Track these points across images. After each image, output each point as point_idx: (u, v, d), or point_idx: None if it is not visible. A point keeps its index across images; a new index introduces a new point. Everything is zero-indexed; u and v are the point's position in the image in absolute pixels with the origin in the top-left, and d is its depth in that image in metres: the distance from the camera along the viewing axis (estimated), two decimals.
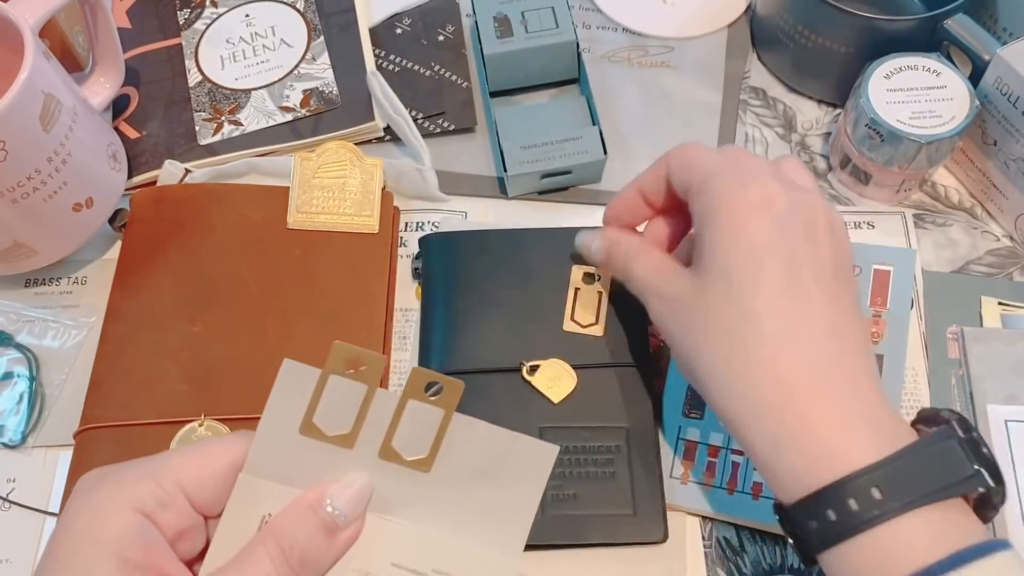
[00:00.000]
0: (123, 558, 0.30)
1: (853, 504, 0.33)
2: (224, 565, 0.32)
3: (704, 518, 0.46)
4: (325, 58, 0.60)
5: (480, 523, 0.35)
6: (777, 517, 0.37)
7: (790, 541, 0.36)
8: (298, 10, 0.63)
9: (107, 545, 0.31)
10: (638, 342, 0.48)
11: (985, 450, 0.34)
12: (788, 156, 0.42)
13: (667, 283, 0.40)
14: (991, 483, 0.33)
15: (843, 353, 0.36)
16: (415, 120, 0.57)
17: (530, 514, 0.35)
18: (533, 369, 0.47)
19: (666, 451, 0.46)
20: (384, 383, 0.49)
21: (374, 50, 0.61)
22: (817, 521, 0.34)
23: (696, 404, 0.48)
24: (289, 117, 0.58)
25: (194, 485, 0.33)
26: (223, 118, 0.58)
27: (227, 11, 0.63)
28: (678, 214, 0.44)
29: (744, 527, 0.46)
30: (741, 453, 0.46)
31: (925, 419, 0.36)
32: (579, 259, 0.48)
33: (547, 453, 0.34)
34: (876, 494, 0.33)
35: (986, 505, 0.34)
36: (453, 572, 0.35)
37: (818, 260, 0.37)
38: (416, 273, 0.53)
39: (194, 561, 0.34)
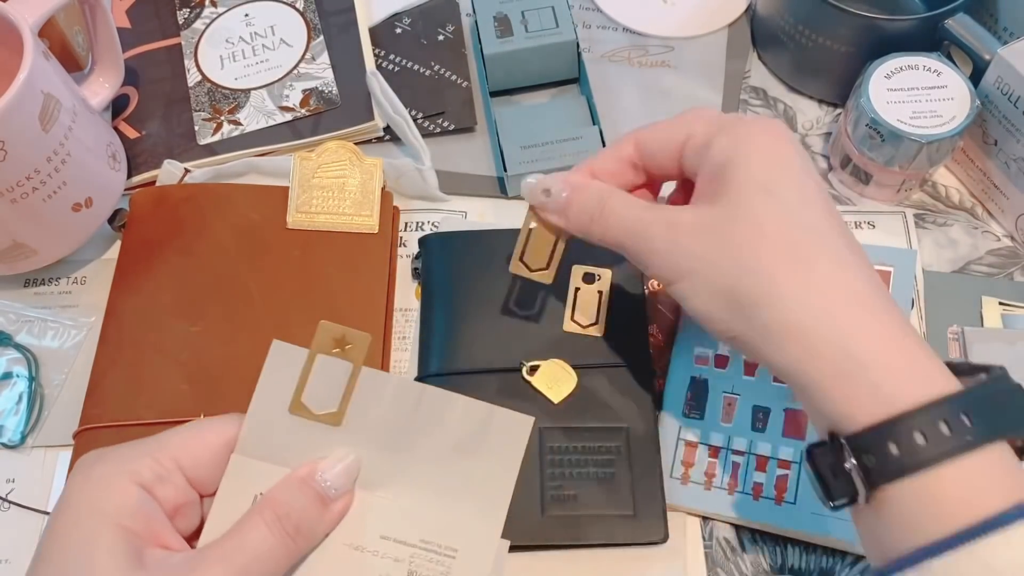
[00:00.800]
0: (124, 527, 0.32)
1: (919, 439, 0.31)
2: (223, 534, 0.33)
3: (704, 518, 0.46)
4: (325, 58, 0.60)
5: (463, 494, 0.37)
6: (810, 455, 0.34)
7: (818, 486, 0.34)
8: (298, 10, 0.63)
9: (108, 516, 0.32)
10: (638, 342, 0.48)
11: None
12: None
13: (681, 210, 0.37)
14: None
15: (881, 288, 0.35)
16: (415, 120, 0.57)
17: (510, 483, 0.36)
18: (533, 369, 0.47)
19: (666, 451, 0.46)
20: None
21: (374, 50, 0.61)
22: (874, 455, 0.31)
23: (696, 404, 0.47)
24: (289, 117, 0.58)
25: (190, 462, 0.34)
26: (222, 118, 0.58)
27: (227, 11, 0.63)
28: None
29: (744, 527, 0.46)
30: (741, 453, 0.46)
31: (958, 369, 0.34)
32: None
33: (524, 424, 0.36)
34: (944, 429, 0.31)
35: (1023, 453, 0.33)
36: (439, 541, 0.36)
37: (826, 190, 0.37)
38: (416, 273, 0.53)
39: (191, 538, 0.35)
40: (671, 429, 0.47)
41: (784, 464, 0.46)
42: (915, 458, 0.31)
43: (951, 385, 0.32)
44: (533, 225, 0.43)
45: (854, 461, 0.32)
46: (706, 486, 0.46)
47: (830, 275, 0.34)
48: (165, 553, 0.33)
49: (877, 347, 0.33)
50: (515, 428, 0.36)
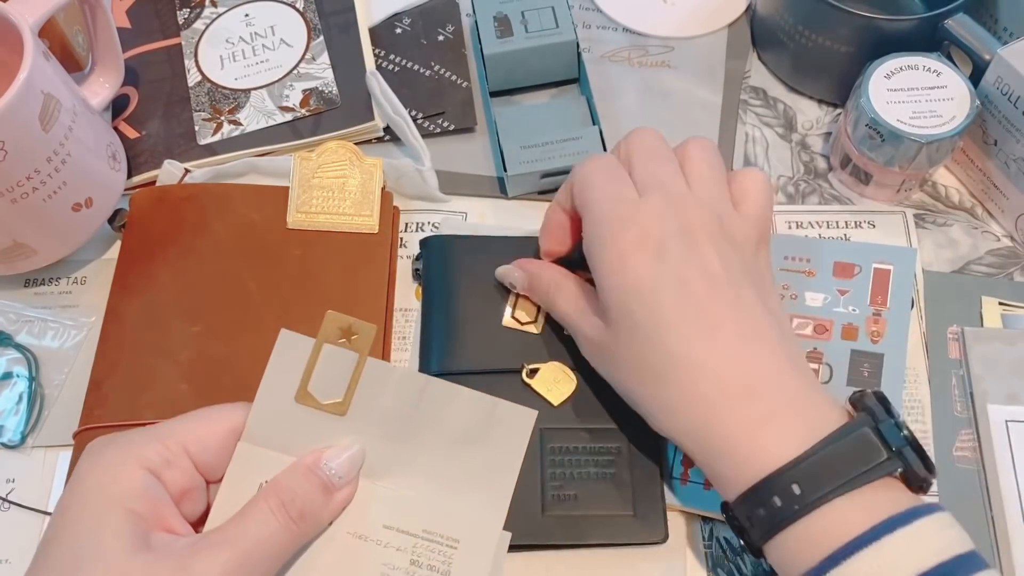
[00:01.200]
0: (131, 510, 0.32)
1: (777, 501, 0.35)
2: (228, 519, 0.34)
3: (705, 519, 0.46)
4: (325, 58, 0.60)
5: (466, 485, 0.37)
6: (724, 516, 0.39)
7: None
8: (298, 10, 0.63)
9: (116, 499, 0.33)
10: None
11: (906, 432, 0.36)
12: (692, 140, 0.43)
13: (586, 324, 0.43)
14: (911, 464, 0.35)
15: (757, 354, 0.38)
16: (415, 120, 0.57)
17: (513, 476, 0.37)
18: (533, 372, 0.47)
19: (668, 452, 0.46)
20: None
21: (374, 50, 0.61)
22: (749, 519, 0.36)
23: None
24: (289, 117, 0.58)
25: (197, 447, 0.35)
26: (223, 118, 0.58)
27: (227, 11, 0.63)
28: None
29: None
30: None
31: (853, 403, 0.38)
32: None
33: (527, 417, 0.37)
34: (796, 489, 0.35)
35: (914, 481, 0.36)
36: (441, 532, 0.37)
37: (707, 272, 0.39)
38: (416, 274, 0.53)
39: (196, 523, 0.36)
40: None
41: None
42: (762, 527, 0.36)
43: (800, 446, 0.36)
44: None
45: (745, 522, 0.37)
46: (706, 486, 0.46)
47: (684, 387, 0.38)
48: (171, 537, 0.33)
49: (725, 440, 0.37)
50: (518, 421, 0.37)
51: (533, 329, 0.48)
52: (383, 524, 0.37)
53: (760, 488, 0.36)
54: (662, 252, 0.39)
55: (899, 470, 0.35)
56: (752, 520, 0.36)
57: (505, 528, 0.38)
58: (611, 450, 0.45)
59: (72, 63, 0.59)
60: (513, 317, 0.48)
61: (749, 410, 0.37)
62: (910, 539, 0.33)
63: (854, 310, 0.49)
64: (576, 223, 0.44)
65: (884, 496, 0.35)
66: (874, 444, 0.35)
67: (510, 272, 0.48)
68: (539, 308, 0.48)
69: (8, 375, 0.50)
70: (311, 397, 0.36)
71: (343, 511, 0.37)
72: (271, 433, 0.36)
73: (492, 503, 0.37)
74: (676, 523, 0.45)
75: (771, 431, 0.37)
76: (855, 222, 0.54)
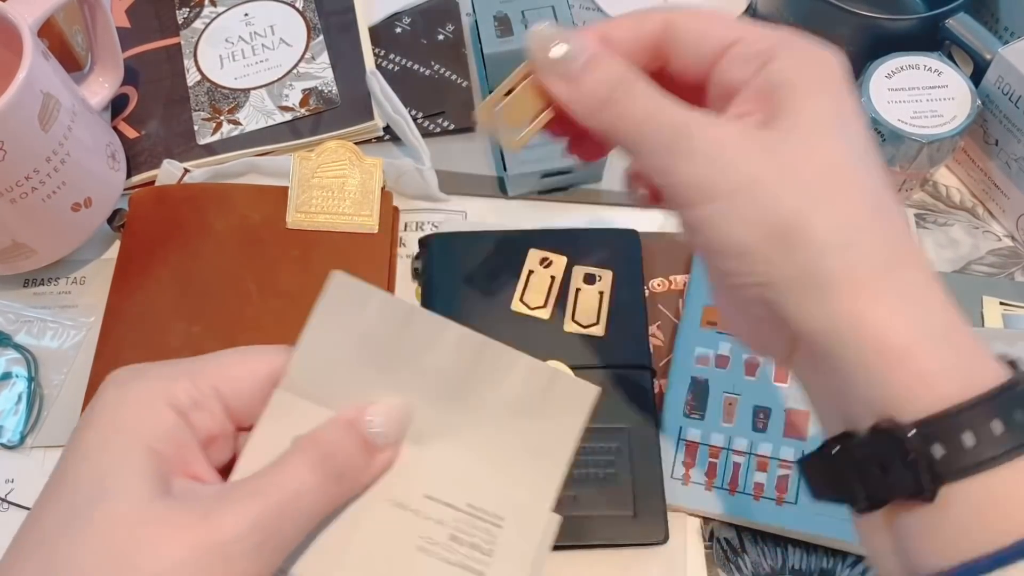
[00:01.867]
0: (154, 450, 0.29)
1: (968, 440, 0.26)
2: (262, 469, 0.30)
3: (705, 519, 0.46)
4: (324, 57, 0.60)
5: (516, 460, 0.34)
6: (842, 452, 0.29)
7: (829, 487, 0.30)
8: (297, 9, 0.63)
9: (140, 436, 0.29)
10: (639, 343, 0.48)
11: None
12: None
13: (723, 120, 0.31)
14: None
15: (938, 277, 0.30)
16: (415, 120, 0.57)
17: (567, 454, 0.34)
18: None
19: (667, 451, 0.46)
20: None
21: (374, 49, 0.61)
22: (947, 446, 0.26)
23: (697, 404, 0.47)
24: (288, 117, 0.58)
25: (230, 390, 0.32)
26: (222, 117, 0.58)
27: (226, 10, 0.63)
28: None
29: (745, 528, 0.46)
30: (742, 454, 0.46)
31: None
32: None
33: (588, 393, 0.33)
34: (997, 428, 0.26)
35: None
36: (486, 507, 0.34)
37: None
38: (416, 273, 0.53)
39: (221, 472, 0.32)
40: (672, 429, 0.47)
41: (785, 464, 0.46)
42: (991, 451, 0.26)
43: (997, 377, 0.28)
44: (580, 287, 0.42)
45: (935, 452, 0.27)
46: (707, 486, 0.46)
47: (901, 243, 0.29)
48: (196, 484, 0.30)
49: (938, 332, 0.28)
50: (578, 395, 0.33)
51: (543, 315, 0.46)
52: (425, 494, 0.34)
53: (953, 416, 0.26)
54: (860, 107, 0.32)
55: None
56: (947, 448, 0.26)
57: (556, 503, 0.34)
58: (611, 450, 0.45)
59: (72, 63, 0.59)
60: (522, 301, 0.46)
61: (953, 312, 0.29)
62: None
63: None
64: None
65: None
66: None
67: (561, 34, 0.33)
68: (549, 291, 0.45)
69: (7, 375, 0.50)
70: (361, 349, 0.33)
71: (383, 475, 0.33)
72: (312, 383, 0.33)
73: (543, 481, 0.34)
74: (677, 524, 0.45)
75: (976, 348, 0.28)
76: None
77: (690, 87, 0.33)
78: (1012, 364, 0.29)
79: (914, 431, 0.27)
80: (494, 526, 0.34)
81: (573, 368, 0.47)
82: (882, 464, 0.28)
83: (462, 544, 0.34)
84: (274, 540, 0.29)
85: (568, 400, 0.34)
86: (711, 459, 0.46)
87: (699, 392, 0.48)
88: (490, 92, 0.57)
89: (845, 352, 0.28)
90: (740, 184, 0.29)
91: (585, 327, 0.48)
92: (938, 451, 0.26)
